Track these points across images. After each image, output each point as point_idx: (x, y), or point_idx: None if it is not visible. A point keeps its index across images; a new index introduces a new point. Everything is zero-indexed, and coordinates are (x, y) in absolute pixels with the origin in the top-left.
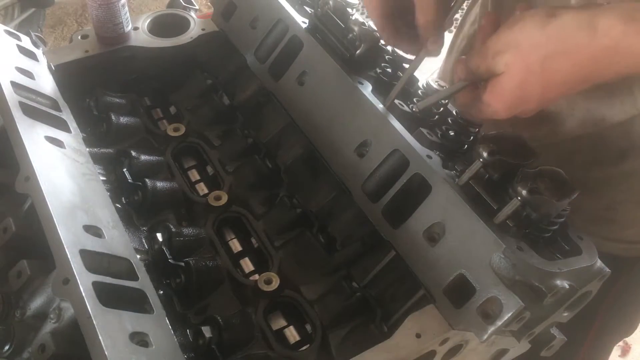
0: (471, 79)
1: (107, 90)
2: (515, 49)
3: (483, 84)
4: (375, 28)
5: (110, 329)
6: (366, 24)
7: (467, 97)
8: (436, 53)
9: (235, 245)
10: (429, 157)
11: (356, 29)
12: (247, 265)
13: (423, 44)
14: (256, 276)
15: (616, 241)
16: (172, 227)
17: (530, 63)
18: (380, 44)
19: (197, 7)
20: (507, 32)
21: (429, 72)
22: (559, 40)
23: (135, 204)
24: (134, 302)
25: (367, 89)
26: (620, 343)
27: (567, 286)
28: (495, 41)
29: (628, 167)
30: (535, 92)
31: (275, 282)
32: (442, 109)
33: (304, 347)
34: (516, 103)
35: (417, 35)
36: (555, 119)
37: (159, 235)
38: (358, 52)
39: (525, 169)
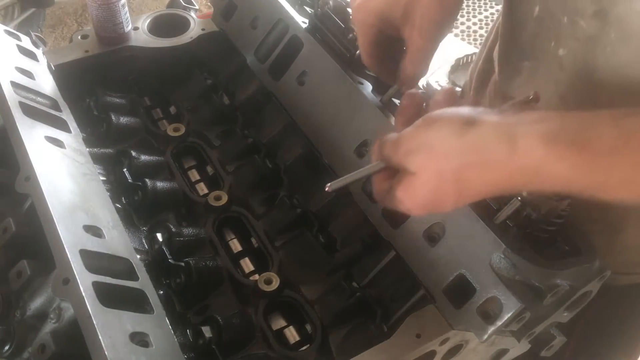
0: (386, 163)
1: (107, 90)
2: (429, 153)
3: (397, 176)
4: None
5: (110, 329)
6: None
7: (383, 184)
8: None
9: (235, 245)
10: None
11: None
12: (247, 265)
13: (399, 84)
14: (256, 276)
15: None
16: (172, 227)
17: (444, 171)
18: None
19: (197, 7)
20: (421, 132)
21: (429, 72)
22: (476, 151)
23: (135, 204)
24: (134, 302)
25: (367, 89)
26: None
27: (567, 286)
28: (408, 138)
29: None
30: (448, 198)
31: (275, 282)
32: None
33: (304, 347)
34: (429, 206)
35: (396, 70)
36: None
37: (159, 235)
38: (358, 52)
39: None
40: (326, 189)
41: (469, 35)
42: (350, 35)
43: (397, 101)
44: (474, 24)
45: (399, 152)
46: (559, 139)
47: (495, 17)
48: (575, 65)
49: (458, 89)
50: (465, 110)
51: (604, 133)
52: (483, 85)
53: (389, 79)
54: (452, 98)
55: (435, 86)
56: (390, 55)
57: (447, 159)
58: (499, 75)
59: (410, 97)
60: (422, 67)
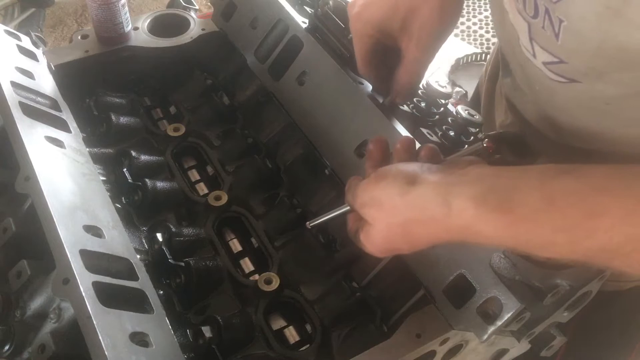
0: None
1: (107, 90)
2: (379, 207)
3: (361, 221)
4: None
5: (110, 329)
6: None
7: (353, 225)
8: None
9: (235, 245)
10: None
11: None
12: (247, 265)
13: (393, 94)
14: (256, 276)
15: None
16: (172, 227)
17: (392, 224)
18: None
19: (197, 7)
20: (372, 188)
21: (429, 72)
22: (415, 209)
23: (135, 204)
24: (134, 302)
25: (367, 89)
26: None
27: (567, 286)
28: (362, 191)
29: None
30: (401, 246)
31: (275, 282)
32: (442, 109)
33: (304, 347)
34: (386, 251)
35: (390, 80)
36: None
37: (159, 235)
38: None
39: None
40: (307, 226)
41: (469, 35)
42: (350, 35)
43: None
44: (474, 24)
45: (356, 203)
46: (488, 202)
47: None
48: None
49: (458, 89)
50: (410, 167)
51: (529, 197)
52: (493, 86)
53: (383, 88)
54: (410, 149)
55: (436, 86)
56: (386, 65)
57: (393, 214)
58: (502, 80)
59: (376, 143)
60: (417, 77)
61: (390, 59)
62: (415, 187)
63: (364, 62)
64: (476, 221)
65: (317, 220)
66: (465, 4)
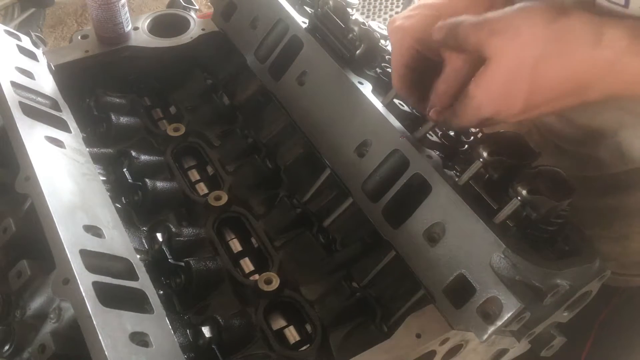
0: (450, 46)
1: (107, 90)
2: (514, 37)
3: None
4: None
5: (110, 329)
6: (366, 24)
7: (453, 83)
8: (432, 121)
9: (235, 245)
10: (429, 157)
11: (356, 29)
12: (247, 265)
13: (428, 108)
14: (256, 276)
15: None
16: (172, 227)
17: (524, 58)
18: (380, 44)
19: (197, 7)
20: (511, 15)
21: None
22: (561, 40)
23: (135, 204)
24: (134, 302)
25: (367, 89)
26: None
27: (567, 286)
28: (496, 19)
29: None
30: (522, 91)
31: (275, 282)
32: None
33: (304, 347)
34: (500, 100)
35: (425, 97)
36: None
37: (159, 235)
38: (358, 52)
39: (525, 169)
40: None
41: None
42: (351, 35)
43: (397, 102)
44: None
45: (481, 32)
46: None
47: None
48: None
49: None
50: (558, 2)
51: None
52: None
53: (418, 105)
54: None
55: None
56: (422, 83)
57: (531, 45)
58: None
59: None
60: (455, 88)
61: (429, 77)
62: (565, 16)
63: (400, 76)
64: (629, 52)
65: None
66: None
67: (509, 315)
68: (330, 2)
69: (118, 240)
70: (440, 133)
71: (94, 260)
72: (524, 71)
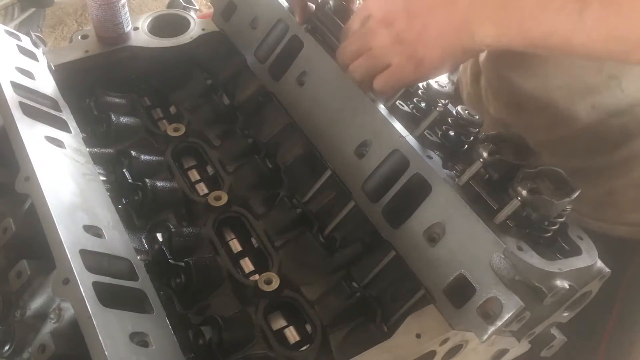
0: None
1: (107, 90)
2: None
3: None
4: None
5: (110, 329)
6: None
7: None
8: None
9: (235, 245)
10: (429, 157)
11: None
12: (247, 265)
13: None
14: (256, 276)
15: (620, 224)
16: (172, 227)
17: None
18: None
19: (197, 7)
20: None
21: None
22: None
23: (135, 204)
24: (134, 302)
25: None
26: None
27: (567, 286)
28: None
29: (626, 153)
30: None
31: (276, 282)
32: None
33: (304, 347)
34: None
35: None
36: (557, 116)
37: (159, 235)
38: None
39: (525, 169)
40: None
41: None
42: None
43: (399, 103)
44: None
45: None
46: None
47: None
48: None
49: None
50: None
51: None
52: (477, 79)
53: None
54: None
55: (435, 86)
56: None
57: None
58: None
59: None
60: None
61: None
62: None
63: None
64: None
65: None
66: None
67: (509, 315)
68: (330, 2)
69: (118, 240)
70: (440, 133)
71: (94, 260)
72: None
